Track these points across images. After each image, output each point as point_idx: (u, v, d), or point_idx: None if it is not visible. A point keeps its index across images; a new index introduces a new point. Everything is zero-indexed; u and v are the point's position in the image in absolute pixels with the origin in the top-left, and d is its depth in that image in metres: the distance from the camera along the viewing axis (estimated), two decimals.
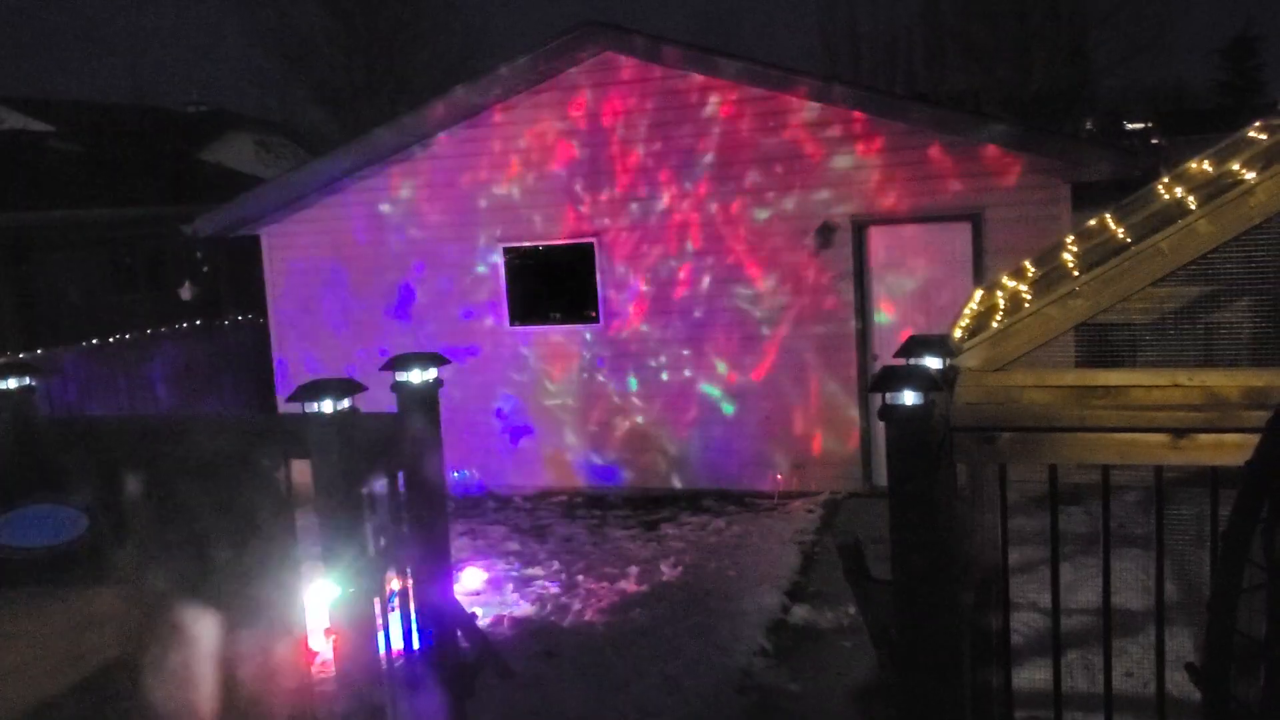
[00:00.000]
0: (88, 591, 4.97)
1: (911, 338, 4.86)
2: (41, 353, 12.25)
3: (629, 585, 8.01)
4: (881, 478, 9.74)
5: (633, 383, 10.71)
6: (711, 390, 10.45)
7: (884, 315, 9.94)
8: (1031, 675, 5.29)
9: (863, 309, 9.93)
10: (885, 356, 9.48)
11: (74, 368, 12.22)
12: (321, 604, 5.20)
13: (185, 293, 18.79)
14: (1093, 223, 7.07)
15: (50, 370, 11.35)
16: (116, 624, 4.92)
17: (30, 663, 4.71)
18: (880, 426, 4.05)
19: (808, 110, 9.83)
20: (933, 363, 4.52)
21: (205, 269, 19.87)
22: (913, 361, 4.46)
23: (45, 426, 6.34)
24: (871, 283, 9.94)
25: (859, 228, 9.85)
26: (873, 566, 4.53)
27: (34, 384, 6.22)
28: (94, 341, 13.03)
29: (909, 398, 3.91)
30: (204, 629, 4.69)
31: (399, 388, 5.82)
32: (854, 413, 10.00)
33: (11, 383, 6.14)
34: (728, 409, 10.43)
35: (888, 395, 3.94)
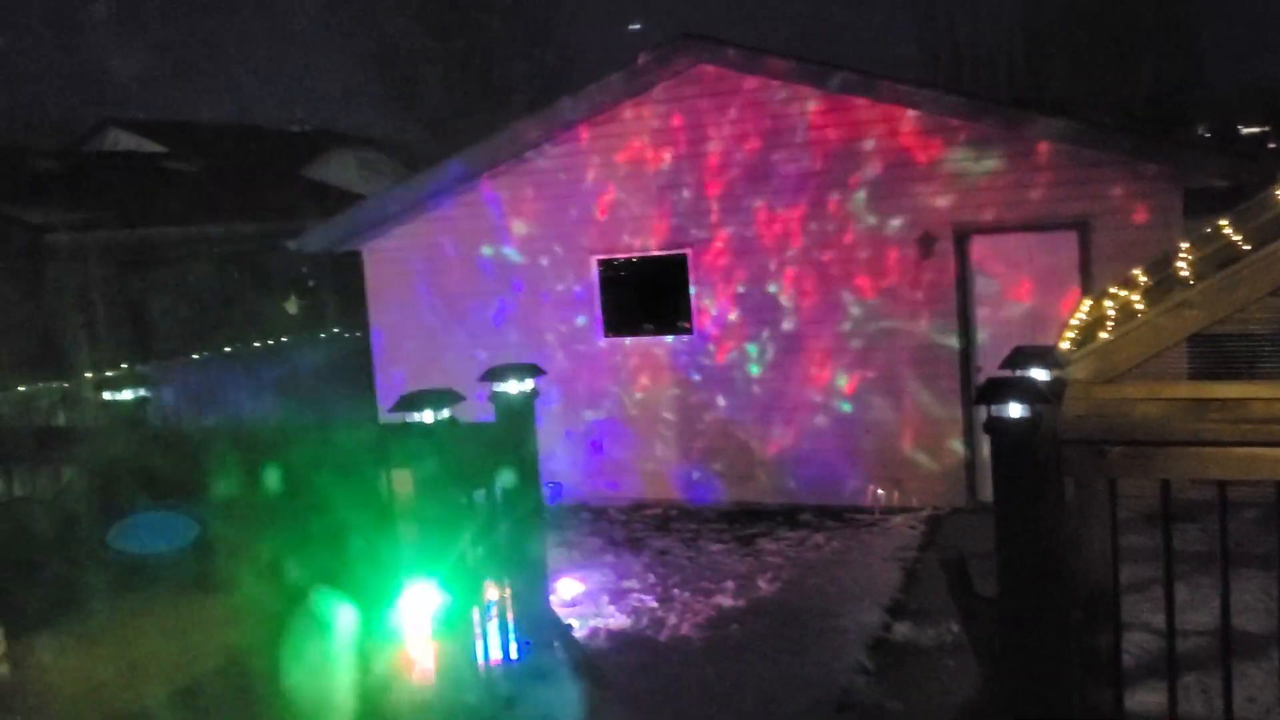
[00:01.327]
0: (197, 596, 5.10)
1: (1018, 349, 4.75)
2: (155, 365, 12.67)
3: (726, 600, 7.95)
4: (986, 493, 9.52)
5: (726, 394, 10.65)
6: (809, 403, 10.34)
7: (987, 326, 9.73)
8: (1144, 698, 5.10)
9: (965, 320, 9.73)
10: (989, 368, 9.26)
11: (185, 379, 12.62)
12: (421, 611, 5.26)
13: (291, 306, 19.29)
14: (1207, 230, 6.84)
15: (163, 382, 11.72)
16: (223, 628, 5.04)
17: (141, 666, 4.86)
18: (985, 440, 3.94)
19: (906, 118, 9.69)
20: (1040, 374, 4.41)
21: (310, 283, 20.36)
22: (1019, 373, 4.35)
23: (158, 436, 6.56)
24: (974, 293, 9.73)
25: (961, 237, 9.66)
26: (977, 583, 4.44)
27: (148, 395, 6.44)
28: (205, 354, 13.44)
29: (1015, 410, 3.82)
30: (307, 634, 4.78)
31: (496, 398, 5.88)
32: (957, 426, 9.79)
33: (127, 394, 6.37)
34: (825, 422, 10.29)
35: (993, 407, 3.85)
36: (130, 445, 6.02)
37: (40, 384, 11.51)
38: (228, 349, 13.89)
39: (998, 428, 3.82)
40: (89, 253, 16.80)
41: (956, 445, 9.83)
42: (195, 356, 13.27)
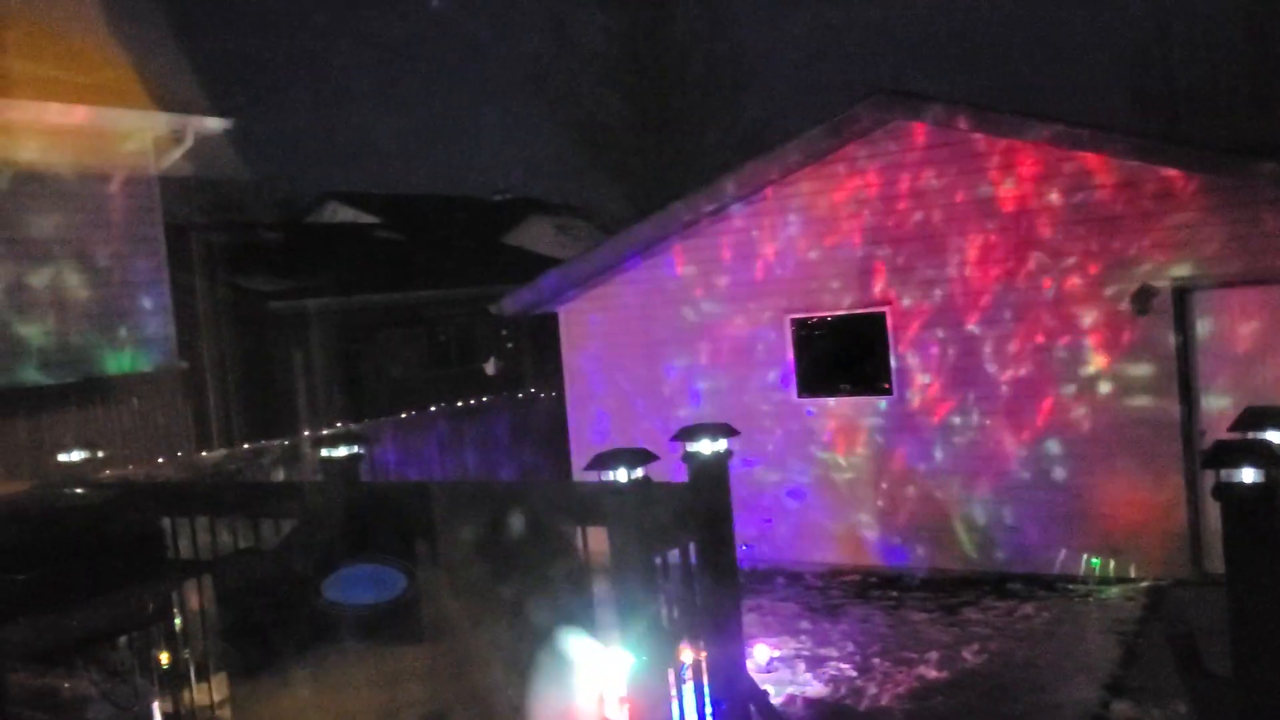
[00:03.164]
0: (403, 647, 5.25)
1: (1249, 409, 4.42)
2: (367, 423, 13.28)
3: (929, 671, 7.63)
4: (1214, 563, 8.86)
5: (929, 457, 10.32)
6: (1016, 465, 9.90)
7: (1211, 386, 9.12)
8: None
9: (1187, 379, 9.15)
10: (1216, 430, 8.66)
11: (393, 437, 13.16)
12: (616, 672, 5.26)
13: (490, 368, 19.96)
14: None
15: (373, 440, 12.25)
16: (428, 679, 5.17)
17: (353, 714, 5.02)
18: (1213, 506, 3.67)
19: (1118, 169, 9.27)
20: (1275, 437, 4.09)
21: (509, 345, 21.03)
22: (1251, 435, 4.05)
23: (369, 491, 6.83)
24: (1196, 351, 9.15)
25: (1181, 292, 9.11)
26: (1207, 661, 4.12)
27: (360, 452, 6.73)
28: (412, 412, 14.01)
29: (1248, 475, 3.56)
30: (507, 688, 4.83)
31: (689, 458, 5.85)
32: (1179, 491, 9.17)
33: (342, 451, 6.67)
34: (1035, 486, 9.83)
35: (1223, 472, 3.59)
36: (344, 500, 6.29)
37: (263, 441, 12.23)
38: (433, 408, 14.44)
39: (1229, 494, 3.56)
40: (308, 318, 17.88)
41: (1178, 512, 9.20)
42: (403, 415, 13.84)
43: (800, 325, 10.91)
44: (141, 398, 11.91)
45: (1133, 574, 9.33)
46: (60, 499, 7.33)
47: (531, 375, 19.39)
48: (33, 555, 6.07)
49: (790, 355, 10.96)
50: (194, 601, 6.10)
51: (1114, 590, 9.15)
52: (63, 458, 8.57)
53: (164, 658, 6.18)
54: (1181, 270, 9.08)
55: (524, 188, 37.38)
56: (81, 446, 8.62)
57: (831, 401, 10.81)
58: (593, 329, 12.15)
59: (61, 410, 11.17)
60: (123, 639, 6.19)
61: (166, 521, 6.65)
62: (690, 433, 5.89)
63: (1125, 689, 7.04)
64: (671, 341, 11.63)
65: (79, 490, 7.66)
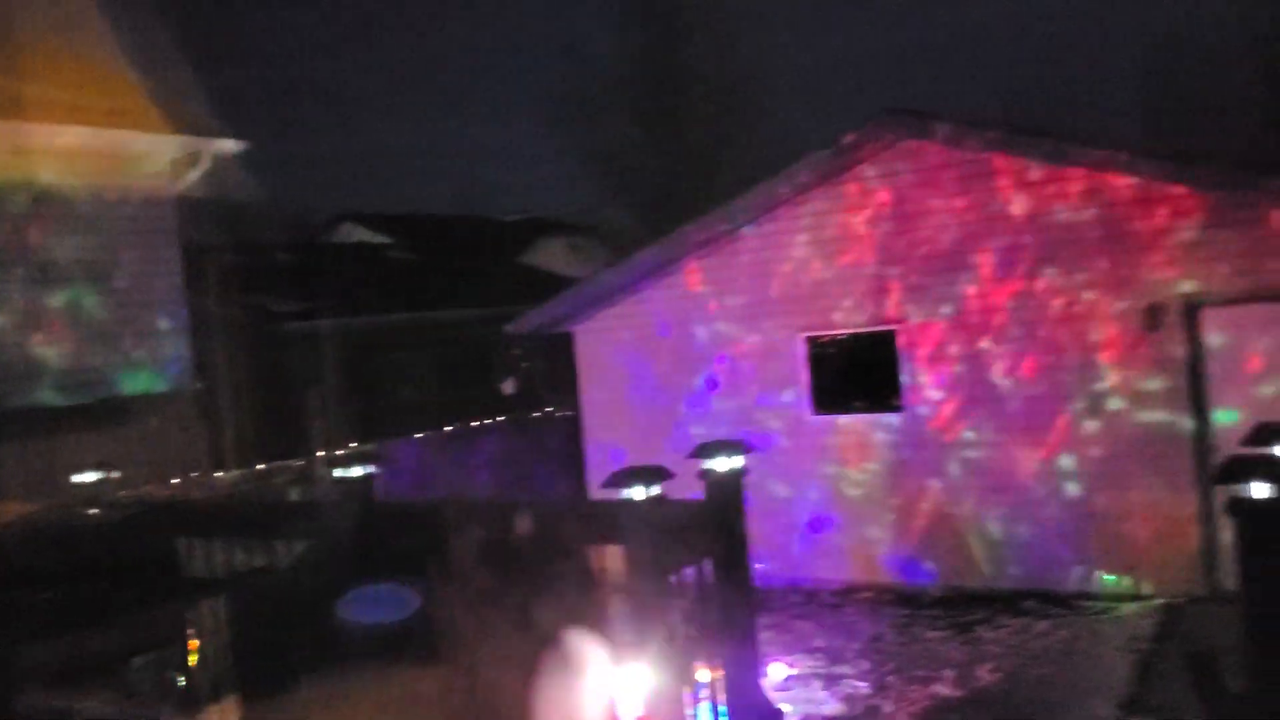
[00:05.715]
0: (417, 666, 5.27)
1: (1261, 425, 4.43)
2: (380, 443, 13.32)
3: (944, 689, 7.61)
4: (1229, 580, 8.80)
5: (942, 474, 10.30)
6: (1029, 483, 9.88)
7: (1223, 402, 9.09)
8: None
9: (1197, 396, 9.12)
10: (1227, 446, 8.63)
11: (406, 457, 13.20)
12: (630, 690, 5.26)
13: (508, 387, 20.01)
14: None
15: (386, 460, 12.30)
16: (441, 699, 5.18)
17: None
18: (1227, 522, 3.67)
19: (1125, 185, 9.27)
20: None
21: (524, 365, 21.08)
22: (1264, 450, 4.06)
23: (382, 510, 6.86)
24: (1207, 367, 9.12)
25: (1190, 309, 9.10)
26: (1223, 677, 4.12)
27: (374, 471, 6.77)
28: (425, 432, 14.06)
29: (1260, 490, 3.56)
30: (521, 707, 4.84)
31: (705, 475, 5.88)
32: (1192, 508, 9.14)
33: (355, 471, 6.72)
34: (1047, 504, 9.80)
35: (1235, 487, 3.60)
36: (357, 519, 6.32)
37: (278, 461, 12.27)
38: (447, 428, 14.48)
39: (1241, 509, 3.57)
40: (323, 339, 17.96)
41: (1192, 529, 9.17)
42: (417, 435, 13.88)
43: (814, 343, 10.92)
44: (157, 418, 11.98)
45: (1147, 591, 9.29)
46: (77, 520, 7.39)
47: (547, 394, 19.43)
48: (50, 576, 6.12)
49: (805, 373, 10.97)
50: (209, 621, 6.13)
51: (1129, 608, 9.11)
52: (78, 478, 8.63)
53: (179, 678, 6.21)
54: (1192, 287, 9.07)
55: (537, 207, 37.54)
56: (97, 467, 8.68)
57: (845, 419, 10.80)
58: (608, 348, 12.18)
59: (77, 431, 11.24)
60: (139, 659, 6.23)
61: (182, 542, 6.69)
62: (706, 449, 5.93)
63: (1141, 707, 6.99)
64: (686, 360, 11.65)
65: (95, 511, 7.71)
